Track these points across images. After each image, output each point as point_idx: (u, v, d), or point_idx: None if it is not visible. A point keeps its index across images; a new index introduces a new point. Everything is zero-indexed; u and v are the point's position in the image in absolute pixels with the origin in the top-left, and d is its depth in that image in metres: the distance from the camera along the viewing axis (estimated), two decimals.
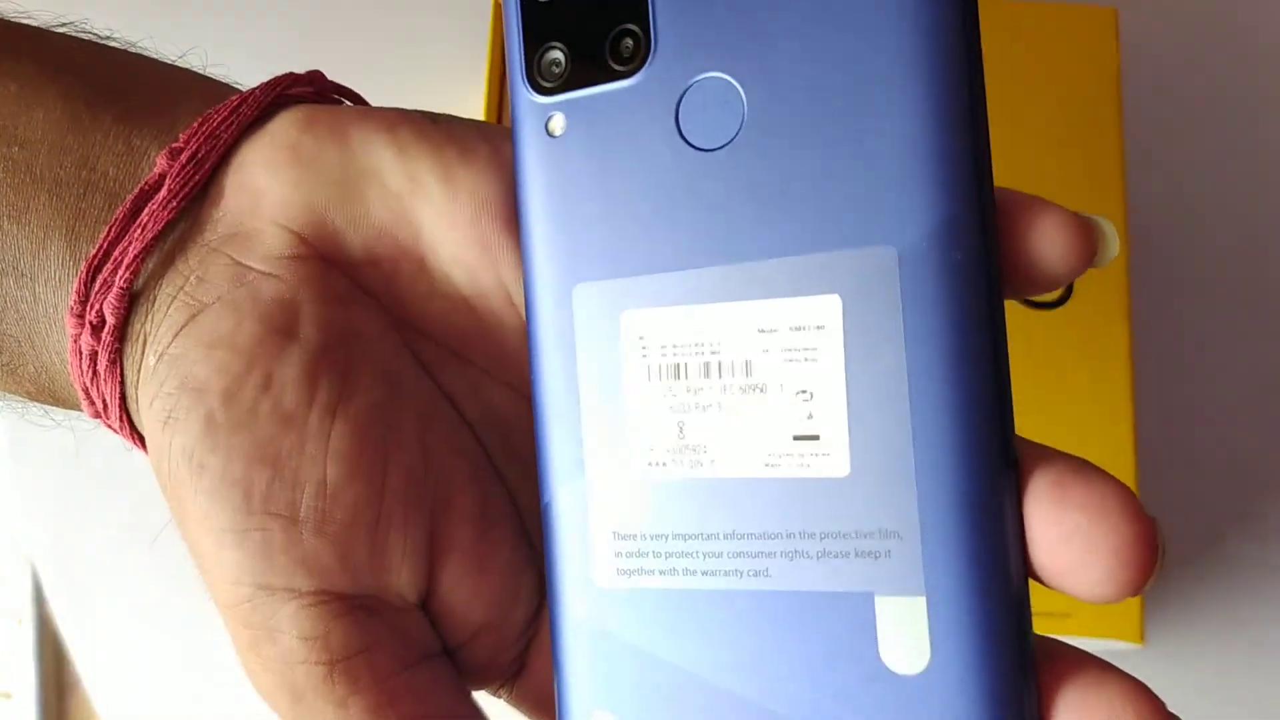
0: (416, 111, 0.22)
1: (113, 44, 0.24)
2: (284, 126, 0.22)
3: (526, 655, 0.22)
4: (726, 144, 0.20)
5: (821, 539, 0.19)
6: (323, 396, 0.20)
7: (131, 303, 0.21)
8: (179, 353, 0.20)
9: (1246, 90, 0.49)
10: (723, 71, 0.20)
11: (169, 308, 0.21)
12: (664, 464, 0.20)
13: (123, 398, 0.22)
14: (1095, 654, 0.41)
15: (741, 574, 0.20)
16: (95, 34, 0.24)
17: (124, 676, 0.44)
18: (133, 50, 0.24)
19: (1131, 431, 0.38)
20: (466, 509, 0.22)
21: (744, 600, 0.20)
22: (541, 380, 0.21)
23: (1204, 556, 0.44)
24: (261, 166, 0.21)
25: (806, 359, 0.19)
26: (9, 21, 0.24)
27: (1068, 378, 0.38)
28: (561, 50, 0.21)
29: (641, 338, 0.20)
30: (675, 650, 0.20)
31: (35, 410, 0.25)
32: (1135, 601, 0.36)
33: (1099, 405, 0.38)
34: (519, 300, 0.22)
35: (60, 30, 0.24)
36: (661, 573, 0.20)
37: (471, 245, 0.21)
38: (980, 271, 0.18)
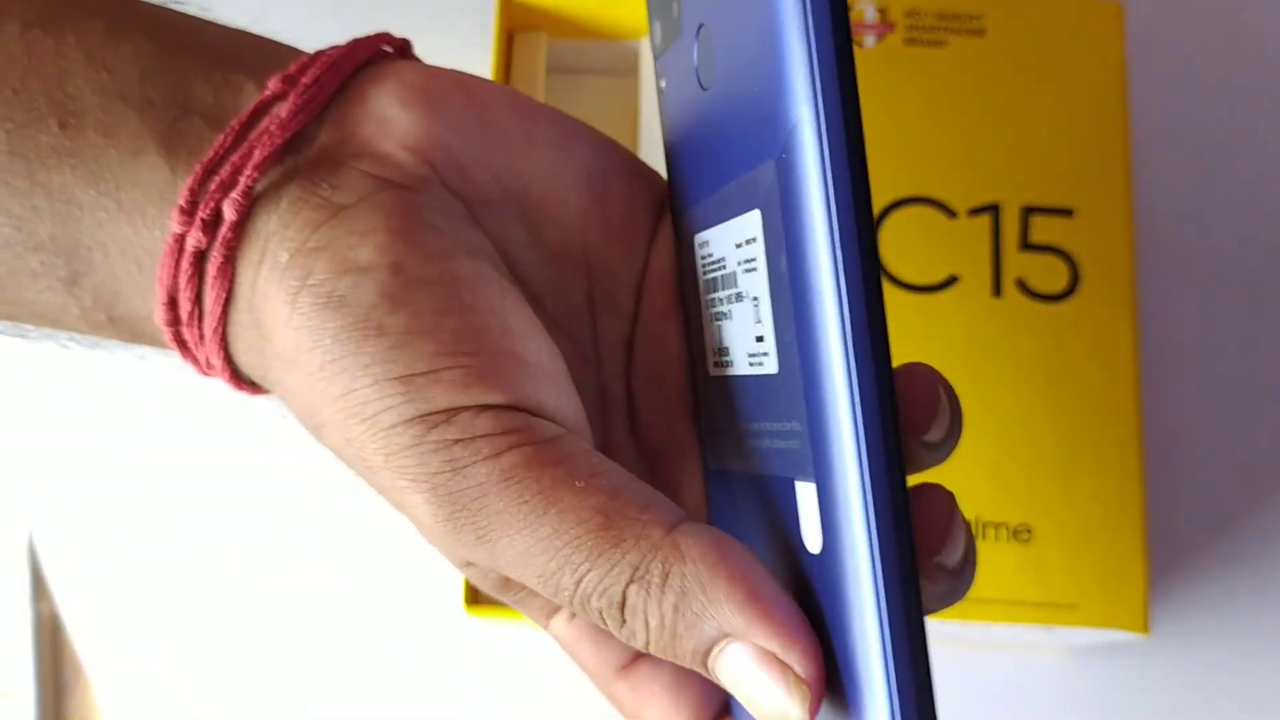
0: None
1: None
2: (409, 71, 0.23)
3: None
4: (714, 84, 0.22)
5: (770, 429, 0.21)
6: (489, 272, 0.22)
7: (253, 204, 0.22)
8: (323, 244, 0.21)
9: (1253, 84, 0.49)
10: (707, 21, 0.22)
11: (301, 208, 0.21)
12: (713, 365, 0.24)
13: (227, 299, 0.22)
14: (1103, 646, 0.41)
15: (742, 458, 0.23)
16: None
17: (130, 668, 0.44)
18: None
19: (1137, 424, 0.38)
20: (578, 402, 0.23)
21: (735, 483, 0.23)
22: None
23: (1209, 547, 0.44)
24: (389, 99, 0.23)
25: (751, 269, 0.21)
26: None
27: (1074, 371, 0.38)
28: (658, 21, 0.25)
29: (699, 259, 0.24)
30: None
31: (63, 337, 0.25)
32: (1140, 592, 0.37)
33: (1105, 397, 0.38)
34: (595, 265, 0.24)
35: None
36: (714, 458, 0.24)
37: (570, 210, 0.24)
38: (841, 173, 0.19)
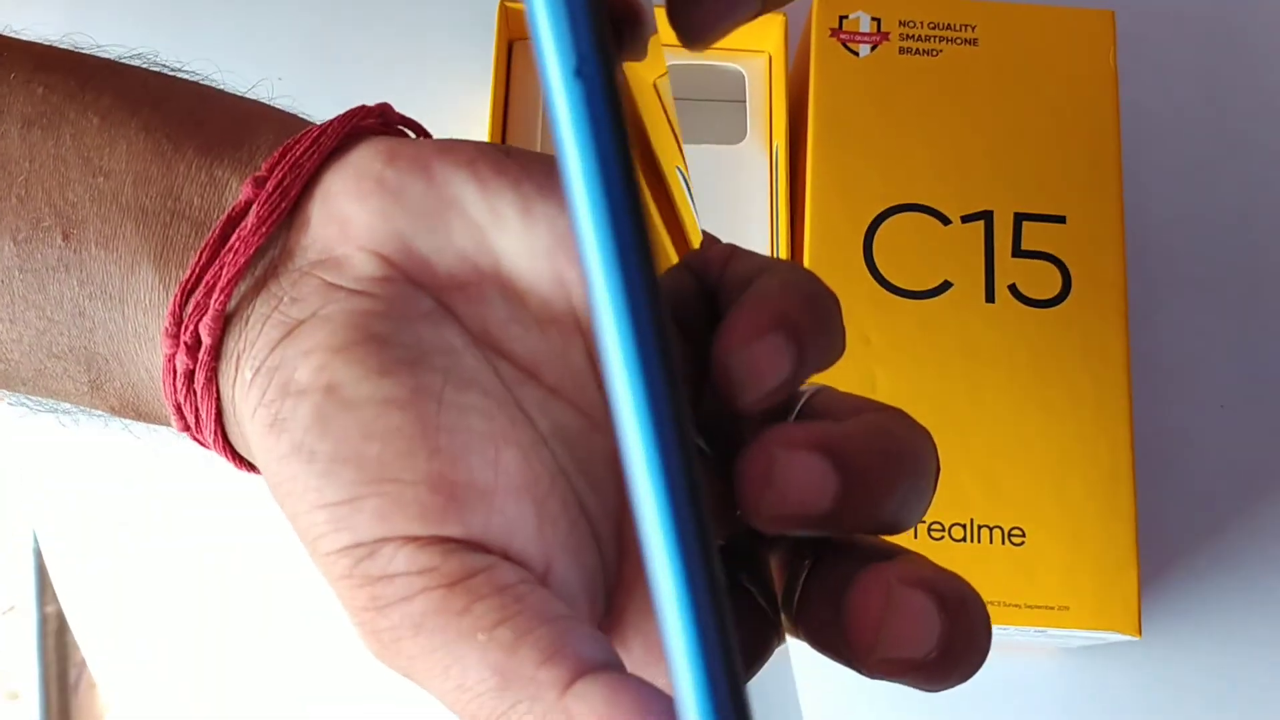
0: (490, 144, 0.23)
1: (183, 75, 0.25)
2: (367, 158, 0.23)
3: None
4: None
5: None
6: (429, 385, 0.21)
7: (226, 323, 0.22)
8: (277, 364, 0.21)
9: (1243, 92, 0.50)
10: None
11: (263, 325, 0.22)
12: None
13: (219, 413, 0.23)
14: (1093, 647, 0.42)
15: None
16: (165, 66, 0.25)
17: (134, 667, 0.44)
18: (203, 83, 0.25)
19: (1128, 427, 0.38)
20: (556, 508, 0.22)
21: None
22: None
23: (1201, 550, 0.45)
24: (348, 196, 0.22)
25: None
26: (86, 54, 0.25)
27: (1066, 375, 0.38)
28: None
29: None
30: None
31: (115, 423, 0.26)
32: (1133, 594, 0.37)
33: (1097, 401, 0.38)
34: (585, 327, 0.23)
35: (133, 63, 0.25)
36: None
37: (547, 277, 0.23)
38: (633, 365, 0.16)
